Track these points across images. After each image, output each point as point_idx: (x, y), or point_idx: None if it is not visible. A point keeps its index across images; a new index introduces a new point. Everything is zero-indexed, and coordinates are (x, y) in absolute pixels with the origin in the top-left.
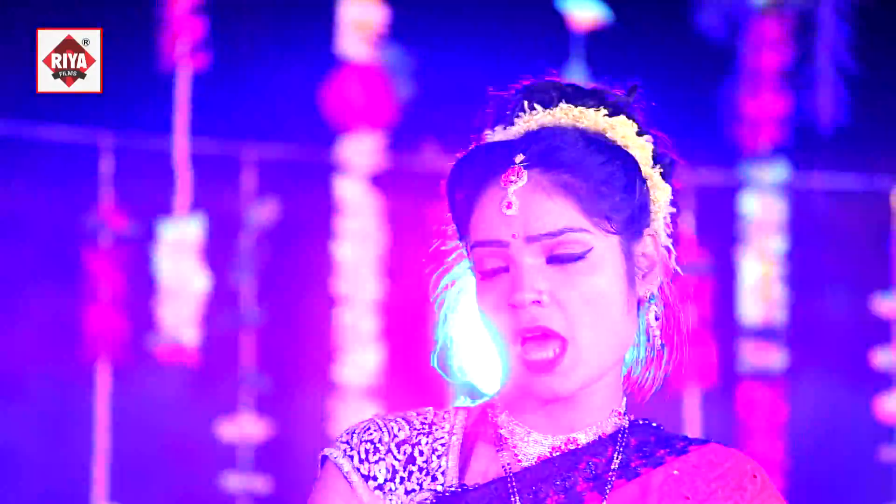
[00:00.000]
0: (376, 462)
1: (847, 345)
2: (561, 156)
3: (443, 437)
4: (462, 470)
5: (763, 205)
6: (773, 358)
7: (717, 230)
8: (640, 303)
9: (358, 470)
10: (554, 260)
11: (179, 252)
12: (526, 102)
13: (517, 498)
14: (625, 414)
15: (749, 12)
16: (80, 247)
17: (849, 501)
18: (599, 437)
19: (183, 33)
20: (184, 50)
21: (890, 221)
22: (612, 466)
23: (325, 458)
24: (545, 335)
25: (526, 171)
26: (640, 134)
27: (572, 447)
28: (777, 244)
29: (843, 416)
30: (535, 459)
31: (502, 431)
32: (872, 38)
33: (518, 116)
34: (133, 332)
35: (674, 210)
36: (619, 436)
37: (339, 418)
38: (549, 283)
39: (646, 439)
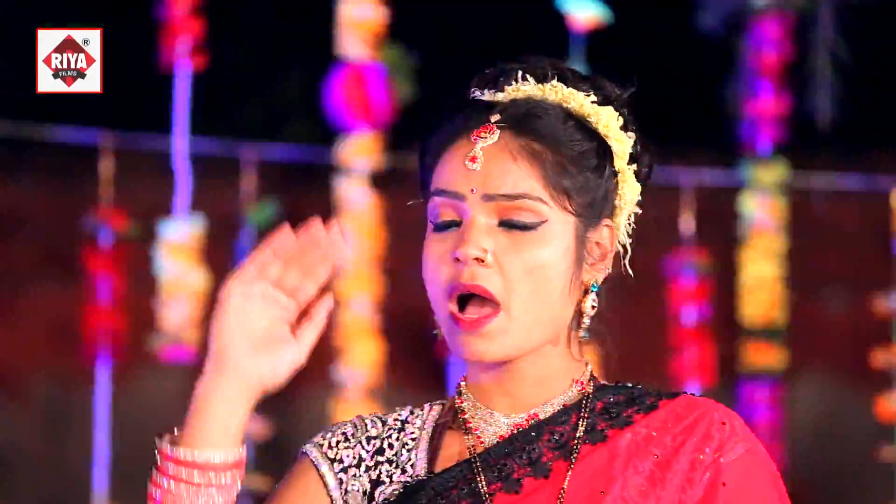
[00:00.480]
0: (344, 449)
1: (847, 345)
2: (536, 123)
3: (413, 433)
4: (431, 460)
5: (763, 205)
6: (773, 358)
7: (717, 230)
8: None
9: (326, 455)
10: (506, 224)
11: (179, 252)
12: (519, 73)
13: (482, 477)
14: (592, 381)
15: (749, 12)
16: (80, 247)
17: (849, 501)
18: (563, 406)
19: (183, 33)
20: (184, 50)
21: (890, 221)
22: (577, 433)
23: (301, 453)
24: (481, 297)
25: (498, 131)
26: (623, 129)
27: (534, 422)
28: (777, 244)
29: (843, 416)
30: (498, 439)
31: (466, 416)
32: (872, 39)
33: (509, 84)
34: (133, 332)
35: (639, 210)
36: (584, 402)
37: (339, 418)
38: (495, 245)
39: (615, 400)
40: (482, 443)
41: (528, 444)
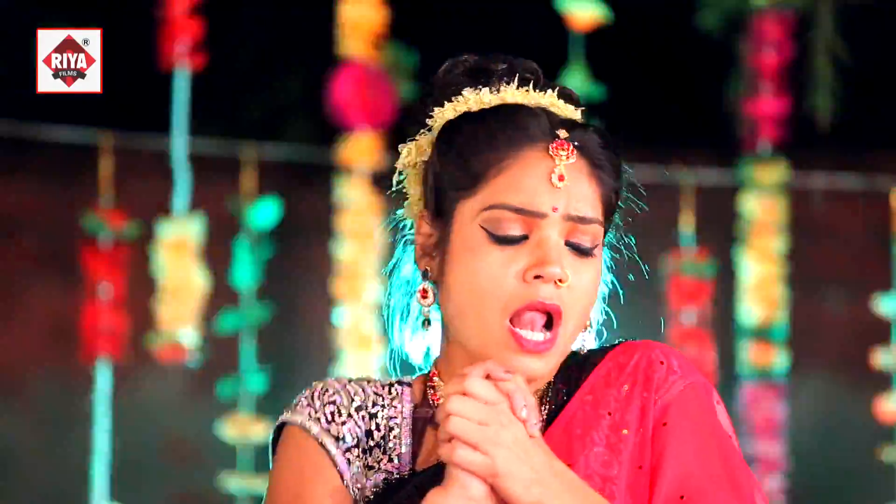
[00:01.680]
0: (343, 424)
1: (847, 345)
2: (594, 150)
3: (396, 417)
4: (414, 453)
5: (763, 205)
6: (773, 358)
7: (717, 230)
8: None
9: (328, 431)
10: (571, 245)
11: (179, 252)
12: (517, 76)
13: None
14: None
15: (749, 12)
16: (80, 247)
17: (849, 501)
18: (536, 397)
19: (183, 33)
20: (184, 50)
21: (890, 221)
22: (543, 418)
23: (283, 425)
24: (549, 311)
25: (576, 150)
26: None
27: None
28: (777, 244)
29: (843, 416)
30: None
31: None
32: (872, 39)
33: (504, 86)
34: (133, 332)
35: None
36: (549, 390)
37: None
38: (568, 266)
39: (571, 375)
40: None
41: None
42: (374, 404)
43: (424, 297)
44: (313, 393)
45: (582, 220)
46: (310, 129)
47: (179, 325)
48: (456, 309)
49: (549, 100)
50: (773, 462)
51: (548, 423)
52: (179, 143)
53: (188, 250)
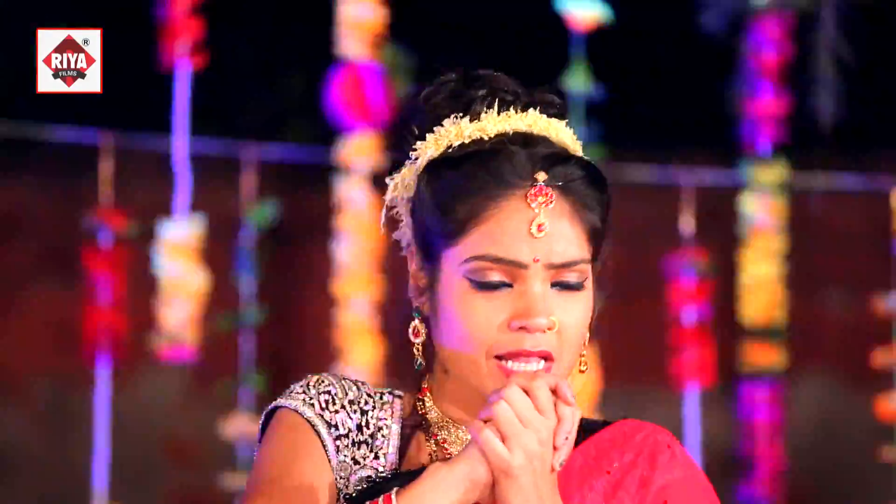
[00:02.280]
0: (336, 413)
1: (847, 345)
2: (577, 185)
3: (386, 419)
4: (400, 458)
5: (763, 205)
6: (773, 358)
7: (717, 230)
8: None
9: (321, 416)
10: (559, 286)
11: (179, 252)
12: (495, 100)
13: None
14: None
15: (749, 12)
16: (80, 247)
17: (849, 501)
18: None
19: (183, 33)
20: (184, 50)
21: (890, 221)
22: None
23: (276, 408)
24: (537, 356)
25: (553, 193)
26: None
27: None
28: (777, 244)
29: (843, 416)
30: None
31: (433, 427)
32: (873, 38)
33: (485, 112)
34: (133, 332)
35: None
36: None
37: None
38: (554, 310)
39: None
40: (448, 454)
41: None
42: (367, 402)
43: (416, 335)
44: (308, 382)
45: (565, 266)
46: (310, 129)
47: (179, 325)
48: (446, 351)
49: (530, 120)
50: (773, 462)
51: None
52: (179, 143)
53: (188, 250)
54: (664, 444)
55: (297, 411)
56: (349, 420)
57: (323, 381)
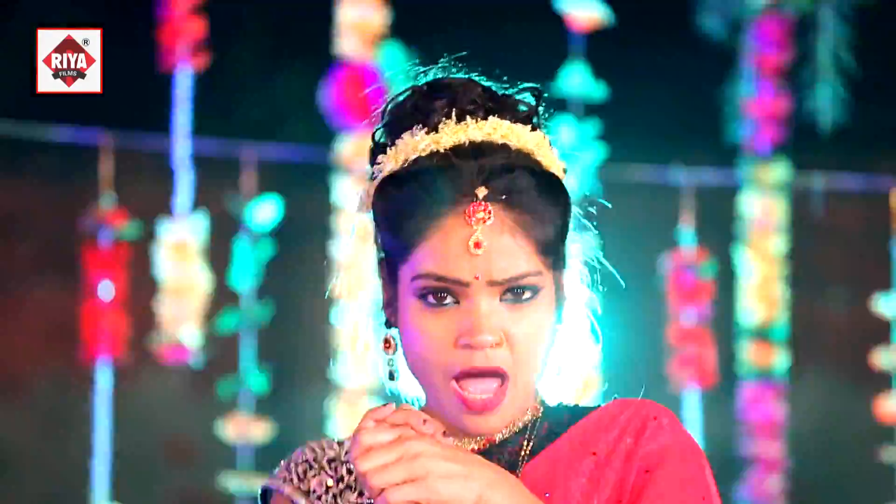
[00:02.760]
0: (313, 477)
1: (847, 345)
2: (522, 197)
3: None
4: None
5: (763, 205)
6: (773, 358)
7: (717, 230)
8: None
9: (299, 489)
10: (507, 299)
11: (179, 252)
12: (453, 111)
13: None
14: (542, 402)
15: (749, 12)
16: (80, 247)
17: (849, 501)
18: (514, 432)
19: (183, 33)
20: (184, 50)
21: (890, 221)
22: (523, 454)
23: (267, 490)
24: (490, 373)
25: (491, 208)
26: (550, 144)
27: (488, 445)
28: (777, 244)
29: (843, 416)
30: None
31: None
32: (872, 39)
33: (443, 123)
34: (134, 332)
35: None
36: (532, 424)
37: (339, 418)
38: (501, 323)
39: (558, 420)
40: None
41: None
42: (348, 453)
43: (388, 348)
44: (290, 460)
45: (509, 282)
46: (310, 129)
47: (180, 325)
48: (411, 368)
49: (489, 129)
50: (773, 462)
51: (532, 454)
52: (179, 143)
53: (188, 250)
54: (650, 416)
55: (278, 491)
56: (328, 479)
57: (302, 453)
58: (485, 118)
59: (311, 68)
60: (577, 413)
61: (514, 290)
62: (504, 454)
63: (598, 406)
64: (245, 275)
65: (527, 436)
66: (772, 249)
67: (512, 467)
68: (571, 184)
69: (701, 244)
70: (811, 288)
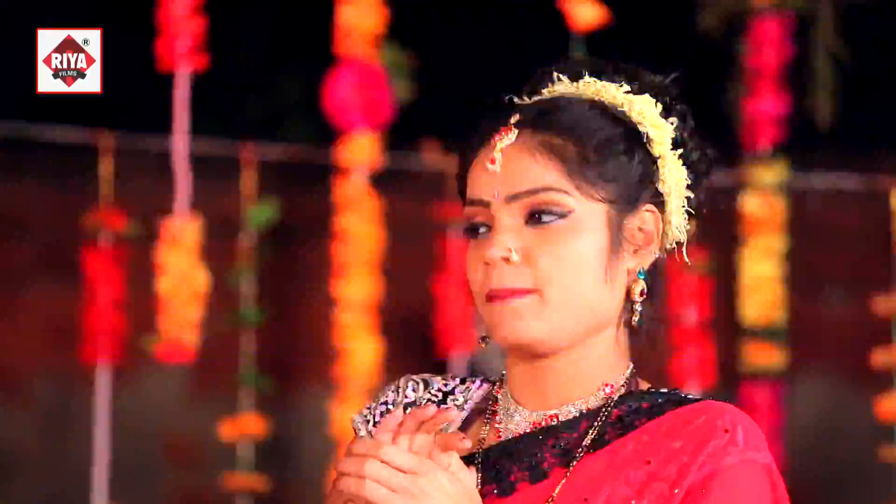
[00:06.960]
0: None
1: (847, 345)
2: (554, 117)
3: (452, 410)
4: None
5: (763, 205)
6: (773, 358)
7: (717, 230)
8: (629, 276)
9: (370, 433)
10: (533, 219)
11: (179, 252)
12: (556, 74)
13: (479, 474)
14: (628, 384)
15: (749, 12)
16: (80, 247)
17: (849, 501)
18: (581, 412)
19: (183, 33)
20: (184, 50)
21: (890, 221)
22: (584, 441)
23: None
24: (515, 293)
25: (516, 130)
26: (665, 115)
27: (551, 422)
28: (777, 244)
29: (843, 416)
30: (512, 435)
31: (497, 407)
32: (872, 39)
33: (544, 87)
34: (133, 333)
35: (690, 195)
36: (602, 409)
37: (338, 418)
38: (523, 242)
39: (635, 408)
40: (499, 437)
41: (533, 447)
42: (430, 401)
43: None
44: (378, 396)
45: (530, 194)
46: (309, 129)
47: (179, 326)
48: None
49: (592, 88)
50: (774, 462)
51: (594, 445)
52: (179, 143)
53: (188, 250)
54: (721, 428)
55: (356, 428)
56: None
57: (386, 392)
58: (582, 78)
59: (310, 68)
60: (657, 407)
61: (537, 214)
62: (561, 438)
63: (678, 403)
64: (244, 275)
65: (593, 422)
66: (772, 249)
67: (567, 454)
68: (675, 156)
69: (701, 244)
70: (811, 288)
